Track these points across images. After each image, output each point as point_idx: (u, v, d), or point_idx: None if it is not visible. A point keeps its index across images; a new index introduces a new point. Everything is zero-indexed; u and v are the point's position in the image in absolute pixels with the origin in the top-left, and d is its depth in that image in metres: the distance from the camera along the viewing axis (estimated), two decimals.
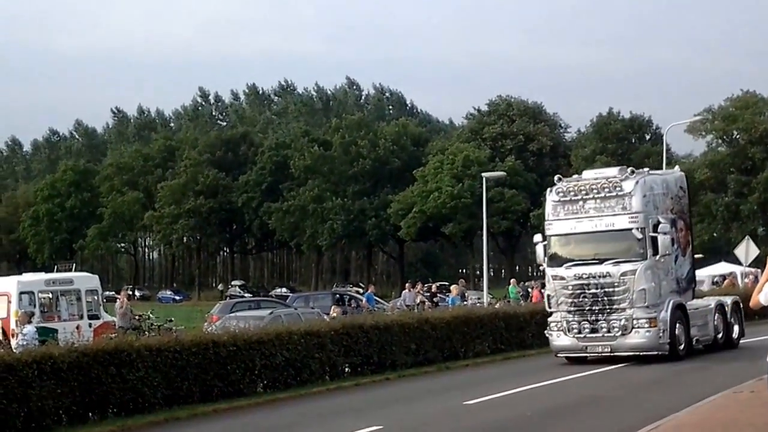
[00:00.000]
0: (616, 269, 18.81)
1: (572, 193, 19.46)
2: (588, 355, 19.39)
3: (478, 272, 70.59)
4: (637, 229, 18.79)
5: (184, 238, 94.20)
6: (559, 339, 19.54)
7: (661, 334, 18.73)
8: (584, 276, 19.06)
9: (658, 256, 18.88)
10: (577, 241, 19.51)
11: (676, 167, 22.02)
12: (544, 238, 19.89)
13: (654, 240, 18.81)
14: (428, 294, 37.63)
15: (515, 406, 14.18)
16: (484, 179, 37.06)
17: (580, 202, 19.36)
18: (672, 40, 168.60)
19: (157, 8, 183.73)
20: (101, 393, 14.06)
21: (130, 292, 60.73)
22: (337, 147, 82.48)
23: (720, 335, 21.01)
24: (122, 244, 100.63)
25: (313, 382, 17.51)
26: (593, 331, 19.05)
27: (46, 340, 18.63)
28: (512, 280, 39.75)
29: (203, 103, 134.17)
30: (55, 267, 37.04)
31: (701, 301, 21.63)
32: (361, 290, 56.19)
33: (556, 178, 20.42)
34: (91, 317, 27.63)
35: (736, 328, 21.85)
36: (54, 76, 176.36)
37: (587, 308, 19.09)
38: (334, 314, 24.30)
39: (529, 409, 13.59)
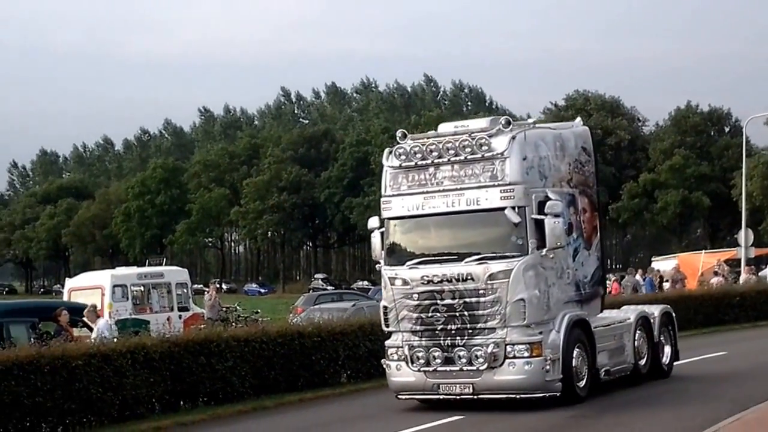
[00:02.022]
0: (481, 269, 12.85)
1: (419, 156, 13.33)
2: (440, 396, 13.43)
3: None
4: (514, 208, 12.82)
5: (269, 233, 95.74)
6: (399, 373, 13.56)
7: (548, 367, 12.79)
8: (435, 279, 13.05)
9: (545, 250, 12.92)
10: (425, 228, 13.61)
11: (578, 119, 15.72)
12: (382, 223, 13.88)
13: (539, 225, 12.89)
14: None
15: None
16: None
17: (431, 169, 13.31)
18: (750, 32, 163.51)
19: (240, 10, 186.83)
20: (192, 382, 14.51)
21: (218, 285, 62.09)
22: None
23: (643, 361, 15.16)
24: (209, 239, 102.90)
25: None
26: (448, 361, 13.11)
27: (139, 332, 19.35)
28: None
29: (286, 101, 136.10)
30: (147, 261, 38.16)
31: (615, 313, 15.43)
32: None
33: (398, 133, 14.00)
34: (181, 309, 28.53)
35: (666, 349, 15.90)
36: (144, 77, 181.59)
37: (440, 328, 13.11)
38: None
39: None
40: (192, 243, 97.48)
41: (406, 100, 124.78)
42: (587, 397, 13.44)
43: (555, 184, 13.62)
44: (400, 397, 13.91)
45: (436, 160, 13.27)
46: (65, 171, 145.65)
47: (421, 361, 13.30)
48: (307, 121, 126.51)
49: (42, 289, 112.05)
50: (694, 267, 35.64)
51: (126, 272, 30.06)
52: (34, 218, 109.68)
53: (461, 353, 13.02)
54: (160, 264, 35.16)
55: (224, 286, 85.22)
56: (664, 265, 38.13)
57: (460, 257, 13.11)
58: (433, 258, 13.31)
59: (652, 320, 15.62)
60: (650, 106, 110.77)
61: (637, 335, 15.06)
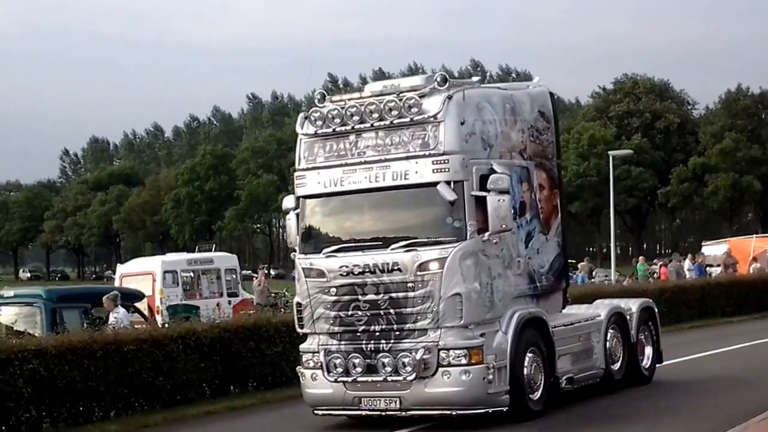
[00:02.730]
0: (409, 258, 10.69)
1: (338, 121, 11.16)
2: (363, 412, 11.24)
3: (604, 250, 69.80)
4: (449, 183, 10.63)
5: None
6: (314, 384, 11.41)
7: (491, 376, 10.63)
8: (356, 270, 10.89)
9: (487, 234, 10.77)
10: (344, 208, 11.43)
11: (536, 79, 13.30)
12: (298, 202, 11.66)
13: (482, 204, 10.73)
14: None
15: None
16: (610, 157, 37.35)
17: (351, 137, 11.16)
18: None
19: None
20: (241, 367, 14.66)
21: (267, 271, 62.72)
22: None
23: (617, 365, 13.02)
24: (258, 225, 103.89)
25: None
26: (370, 370, 10.96)
27: (189, 317, 19.69)
28: (641, 258, 39.08)
29: (333, 88, 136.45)
30: (197, 247, 38.62)
31: (582, 309, 13.28)
32: None
33: (317, 95, 11.67)
34: (230, 295, 28.82)
35: (647, 351, 13.72)
36: (193, 64, 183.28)
37: (361, 329, 10.96)
38: None
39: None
40: (241, 229, 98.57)
41: None
42: (544, 412, 11.26)
43: (503, 155, 11.44)
44: (316, 412, 11.62)
45: (357, 126, 11.06)
46: (116, 158, 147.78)
47: (339, 369, 11.09)
48: None
49: (94, 275, 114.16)
50: (746, 252, 35.20)
51: (176, 258, 30.43)
52: (86, 205, 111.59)
53: (386, 360, 10.83)
54: (210, 250, 35.58)
55: (273, 272, 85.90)
56: (714, 249, 37.75)
57: (385, 243, 10.89)
58: (354, 244, 11.13)
59: (628, 317, 13.38)
60: (700, 89, 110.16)
61: (609, 335, 12.85)
